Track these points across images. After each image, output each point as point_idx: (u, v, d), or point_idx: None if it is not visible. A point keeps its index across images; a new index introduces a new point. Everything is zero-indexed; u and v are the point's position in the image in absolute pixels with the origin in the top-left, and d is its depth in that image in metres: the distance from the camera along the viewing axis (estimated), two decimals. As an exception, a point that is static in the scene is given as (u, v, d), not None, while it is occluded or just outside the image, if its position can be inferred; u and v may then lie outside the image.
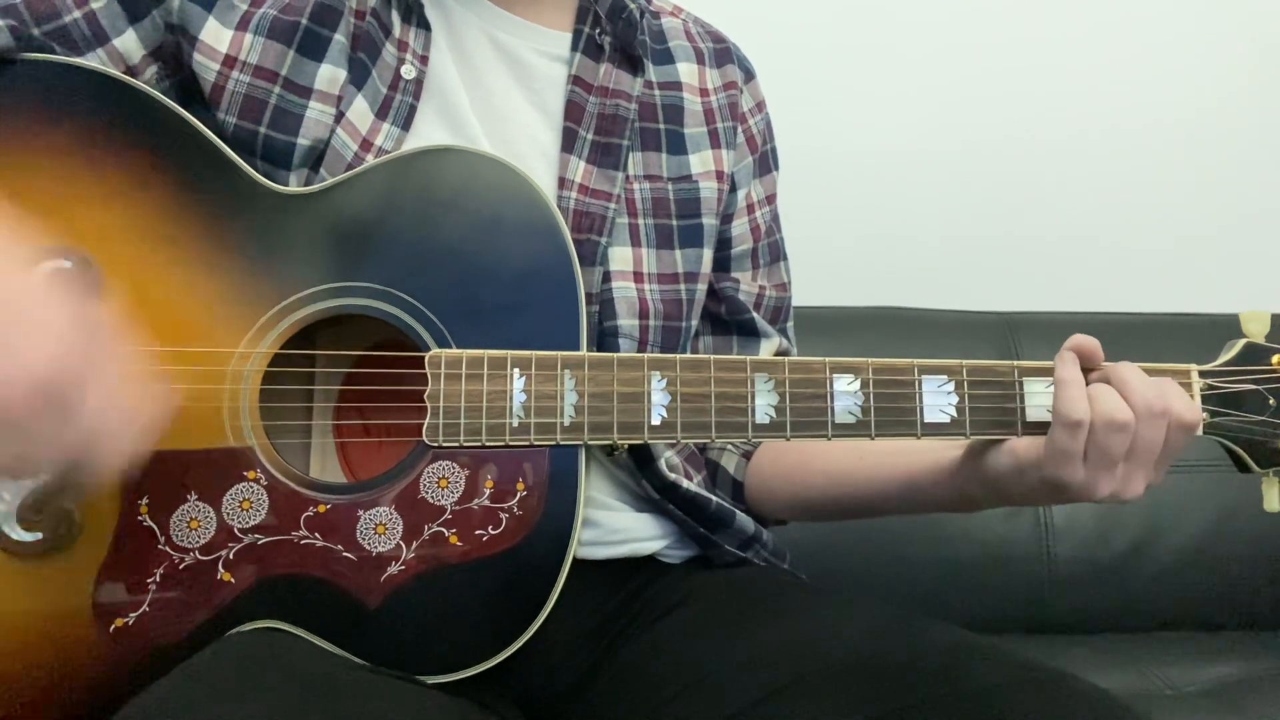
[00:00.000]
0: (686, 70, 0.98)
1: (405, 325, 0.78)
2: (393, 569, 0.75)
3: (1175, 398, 0.75)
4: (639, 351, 0.88)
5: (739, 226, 1.00)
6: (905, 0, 1.68)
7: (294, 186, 0.82)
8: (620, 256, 0.89)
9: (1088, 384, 0.75)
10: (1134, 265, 1.72)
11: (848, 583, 1.29)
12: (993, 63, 1.69)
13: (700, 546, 0.93)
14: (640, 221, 0.90)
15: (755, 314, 0.99)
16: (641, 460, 0.87)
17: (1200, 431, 0.78)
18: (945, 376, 0.79)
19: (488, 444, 0.76)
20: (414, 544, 0.76)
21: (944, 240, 1.70)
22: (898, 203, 1.70)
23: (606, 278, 0.87)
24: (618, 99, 0.91)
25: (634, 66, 0.93)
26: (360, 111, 0.84)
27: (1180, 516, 1.44)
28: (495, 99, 0.89)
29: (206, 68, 0.84)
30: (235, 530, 0.75)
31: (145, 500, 0.75)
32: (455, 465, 0.77)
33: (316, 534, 0.75)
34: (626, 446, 0.84)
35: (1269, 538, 1.43)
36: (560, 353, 0.77)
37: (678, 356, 0.78)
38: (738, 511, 0.92)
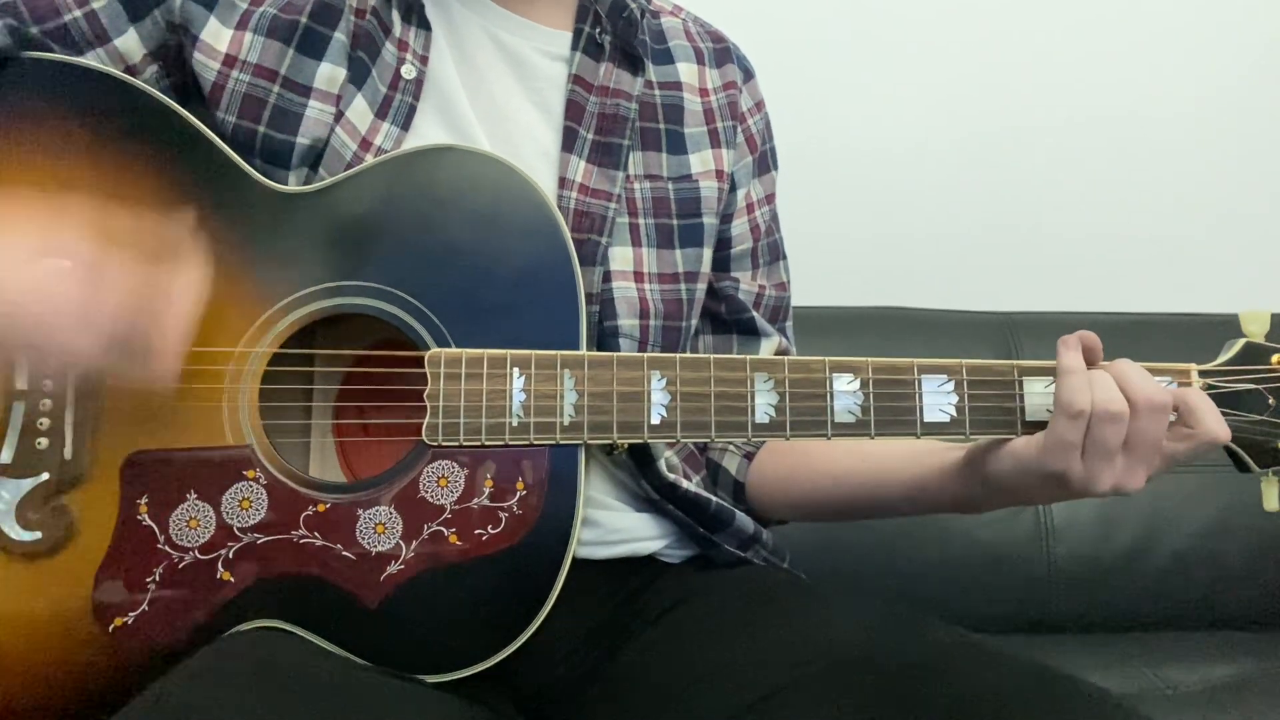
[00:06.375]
0: (686, 70, 0.98)
1: (405, 325, 0.78)
2: (392, 568, 0.75)
3: (1184, 392, 0.77)
4: (639, 351, 0.88)
5: (738, 226, 1.00)
6: (904, -1, 1.68)
7: (293, 185, 0.82)
8: (620, 256, 0.89)
9: None
10: (1134, 265, 1.72)
11: (848, 583, 1.28)
12: (992, 61, 1.69)
13: (700, 546, 0.93)
14: (641, 221, 0.90)
15: (755, 313, 0.99)
16: (641, 460, 0.87)
17: None
18: (945, 376, 0.79)
19: (487, 443, 0.76)
20: (413, 543, 0.75)
21: (944, 240, 1.70)
22: (898, 202, 1.70)
23: (607, 277, 0.87)
24: (618, 98, 0.91)
25: (634, 66, 0.93)
26: (360, 111, 0.84)
27: (1180, 516, 1.44)
28: (497, 98, 0.89)
29: (206, 67, 0.84)
30: (234, 529, 0.75)
31: (144, 499, 0.75)
32: (455, 465, 0.77)
33: (316, 533, 0.75)
34: (626, 446, 0.84)
35: (1269, 538, 1.42)
36: (560, 352, 0.77)
37: (677, 356, 0.78)
38: (737, 511, 0.92)
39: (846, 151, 1.68)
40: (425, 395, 0.76)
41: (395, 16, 0.87)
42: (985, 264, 1.70)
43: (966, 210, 1.71)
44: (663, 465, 0.87)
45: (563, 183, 0.87)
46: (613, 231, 0.88)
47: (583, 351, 0.78)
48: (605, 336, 0.86)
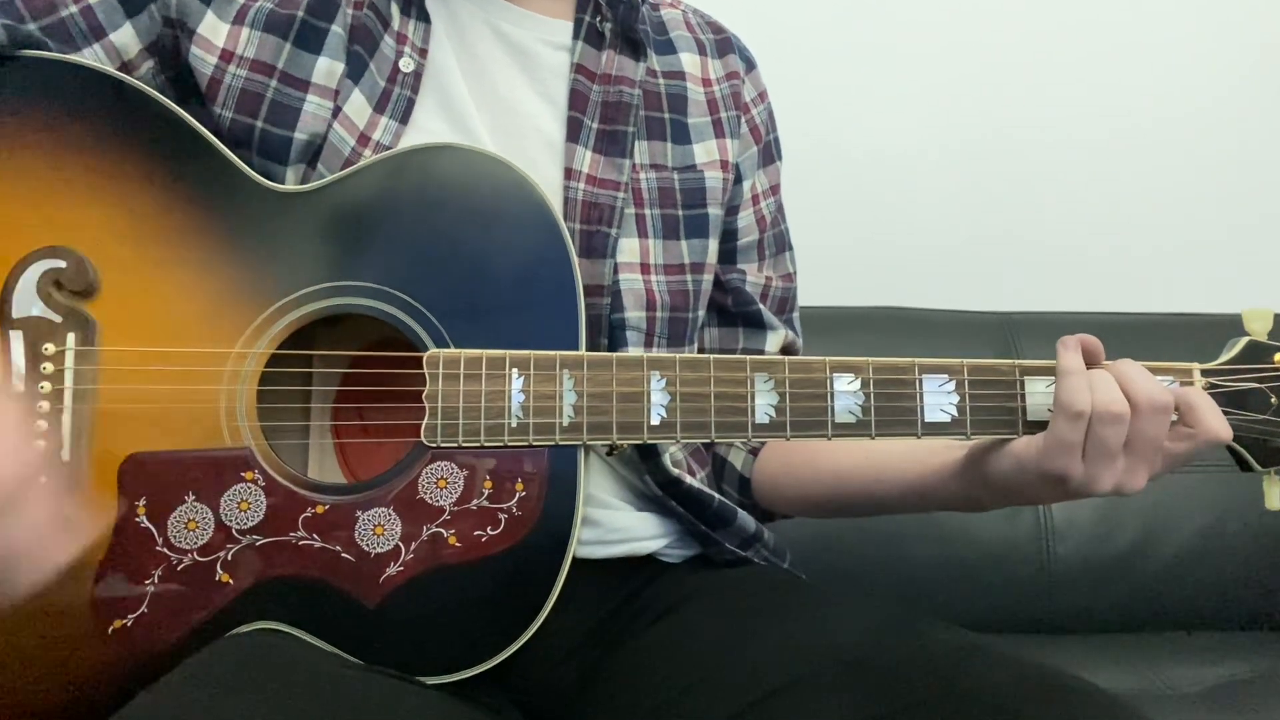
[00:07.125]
0: (689, 60, 0.98)
1: (403, 325, 0.78)
2: (391, 569, 0.75)
3: (1185, 391, 0.76)
4: (646, 344, 0.88)
5: (745, 218, 1.00)
6: (904, -1, 1.68)
7: (291, 182, 0.82)
8: (627, 248, 0.89)
9: None
10: (1134, 265, 1.72)
11: (848, 583, 1.29)
12: (993, 62, 1.69)
13: (701, 545, 0.93)
14: (646, 212, 0.90)
15: (762, 305, 0.99)
16: (645, 453, 0.87)
17: None
18: (946, 375, 0.79)
19: (486, 444, 0.76)
20: (413, 544, 0.75)
21: (944, 240, 1.70)
22: (898, 202, 1.70)
23: (615, 270, 0.87)
24: (621, 84, 0.91)
25: (636, 51, 0.92)
26: (357, 105, 0.84)
27: (1180, 516, 1.44)
28: (500, 90, 0.89)
29: (203, 62, 0.83)
30: (233, 531, 0.75)
31: (143, 501, 0.74)
32: (454, 466, 0.76)
33: (315, 535, 0.75)
34: (626, 446, 0.84)
35: (1269, 538, 1.42)
36: (559, 352, 0.77)
37: (677, 356, 0.78)
38: (739, 510, 0.92)
39: (847, 152, 1.67)
40: (424, 396, 0.76)
41: (394, 9, 0.87)
42: (985, 264, 1.70)
43: (966, 210, 1.71)
44: (667, 460, 0.87)
45: (569, 174, 0.87)
46: (620, 223, 0.87)
47: (582, 352, 0.78)
48: (612, 330, 0.86)
